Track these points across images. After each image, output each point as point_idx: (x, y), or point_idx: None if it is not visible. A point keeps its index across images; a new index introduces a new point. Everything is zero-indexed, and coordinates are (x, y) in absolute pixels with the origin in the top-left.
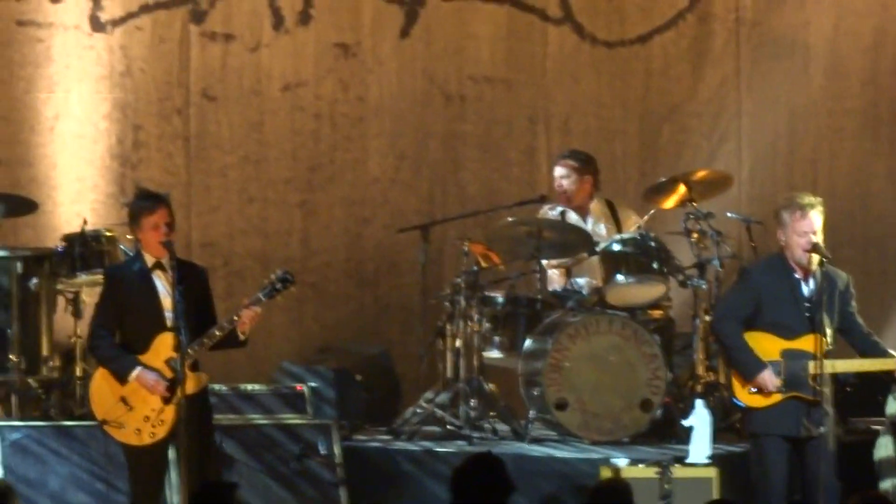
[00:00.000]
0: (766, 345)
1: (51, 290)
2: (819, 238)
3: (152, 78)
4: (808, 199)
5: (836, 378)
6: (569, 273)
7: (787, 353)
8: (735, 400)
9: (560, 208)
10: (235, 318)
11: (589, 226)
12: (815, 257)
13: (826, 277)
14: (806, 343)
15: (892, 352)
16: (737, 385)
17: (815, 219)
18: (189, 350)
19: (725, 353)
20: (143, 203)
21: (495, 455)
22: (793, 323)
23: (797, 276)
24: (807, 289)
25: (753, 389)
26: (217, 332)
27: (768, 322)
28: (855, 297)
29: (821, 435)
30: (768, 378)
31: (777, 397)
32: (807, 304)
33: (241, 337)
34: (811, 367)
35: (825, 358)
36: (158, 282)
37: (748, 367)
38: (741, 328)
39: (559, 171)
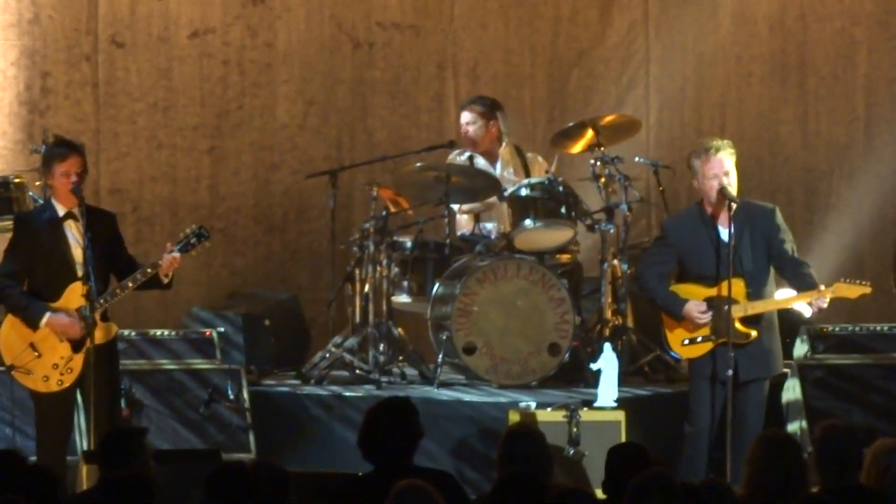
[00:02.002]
0: (690, 295)
1: None
2: (733, 179)
3: (61, 25)
4: (715, 142)
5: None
6: (477, 218)
7: (709, 301)
8: (671, 352)
9: (468, 153)
10: (149, 269)
11: (497, 171)
12: (734, 194)
13: (746, 216)
14: (727, 288)
15: (818, 284)
16: (669, 337)
17: (724, 160)
18: (101, 300)
19: (653, 304)
20: (56, 150)
21: (410, 400)
22: (715, 270)
23: (715, 222)
24: (725, 233)
25: (686, 340)
26: (130, 284)
27: (694, 273)
28: (784, 229)
29: (755, 380)
30: (692, 308)
31: (708, 346)
32: (726, 250)
33: (165, 280)
34: (731, 311)
35: (746, 300)
36: (69, 232)
37: (673, 308)
38: (661, 280)
39: (465, 116)
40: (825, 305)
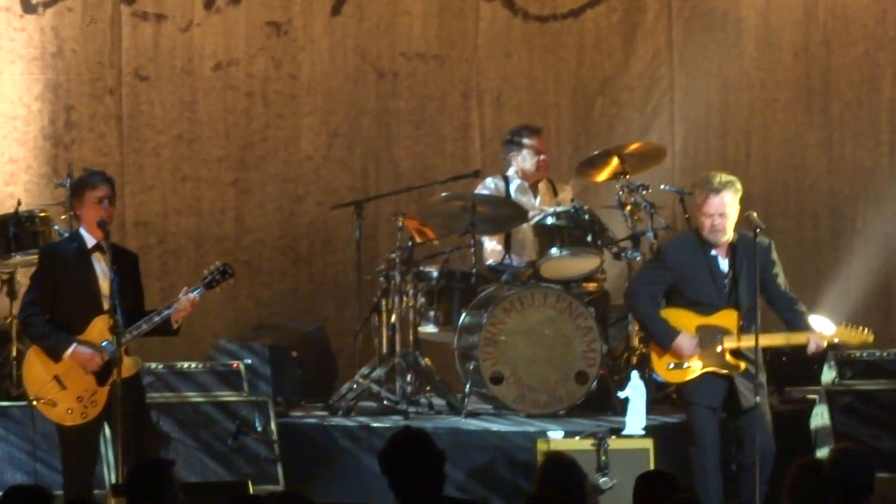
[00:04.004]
0: (682, 321)
1: None
2: (730, 220)
3: (84, 58)
4: (718, 180)
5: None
6: (507, 248)
7: (701, 329)
8: (655, 376)
9: (518, 181)
10: (176, 305)
11: (536, 202)
12: (727, 234)
13: (743, 249)
14: (721, 318)
15: (812, 324)
16: (655, 360)
17: (725, 200)
18: (127, 334)
19: (640, 326)
20: (86, 178)
21: (416, 428)
22: (711, 299)
23: (713, 251)
24: (724, 264)
25: (671, 365)
26: (156, 318)
27: (688, 299)
28: (778, 264)
29: (756, 405)
30: (683, 342)
31: (694, 372)
32: (724, 280)
33: (175, 325)
34: (723, 342)
35: (739, 333)
36: (98, 264)
37: (663, 336)
38: (654, 302)
39: (538, 143)
40: (825, 346)
